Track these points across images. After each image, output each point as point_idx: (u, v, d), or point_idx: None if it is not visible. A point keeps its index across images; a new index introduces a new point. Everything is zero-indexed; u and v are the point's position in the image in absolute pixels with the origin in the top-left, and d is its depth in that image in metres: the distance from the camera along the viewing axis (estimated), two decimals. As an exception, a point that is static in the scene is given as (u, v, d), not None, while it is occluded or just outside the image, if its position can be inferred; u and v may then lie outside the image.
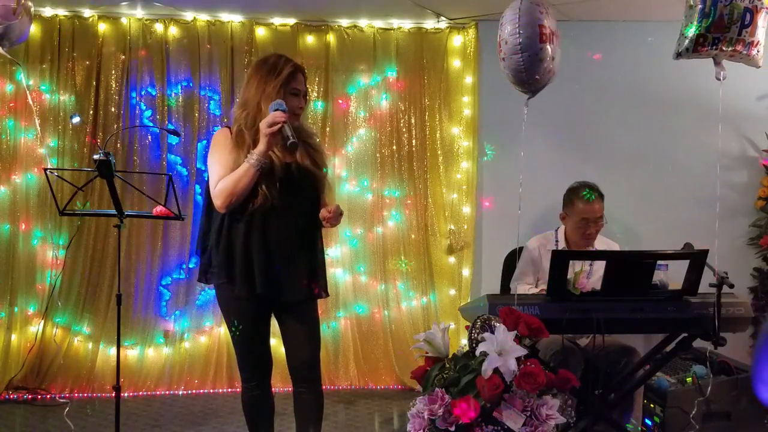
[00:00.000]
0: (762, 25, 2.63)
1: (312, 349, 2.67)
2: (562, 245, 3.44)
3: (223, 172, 2.51)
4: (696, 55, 2.65)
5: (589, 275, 3.31)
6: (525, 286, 3.41)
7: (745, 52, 2.64)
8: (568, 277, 2.76)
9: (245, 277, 2.52)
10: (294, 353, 2.66)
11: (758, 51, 2.69)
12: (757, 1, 2.56)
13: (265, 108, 2.51)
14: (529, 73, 2.64)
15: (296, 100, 2.58)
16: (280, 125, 2.42)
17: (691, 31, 2.60)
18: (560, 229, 3.52)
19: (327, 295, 2.72)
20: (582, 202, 3.35)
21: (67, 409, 3.46)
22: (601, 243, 3.49)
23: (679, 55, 2.70)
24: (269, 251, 2.52)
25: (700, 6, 2.56)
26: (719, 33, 2.56)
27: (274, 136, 2.44)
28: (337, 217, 2.56)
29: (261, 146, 2.46)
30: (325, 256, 2.79)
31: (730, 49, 2.61)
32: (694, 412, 3.10)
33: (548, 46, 2.61)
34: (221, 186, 2.49)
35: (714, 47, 2.59)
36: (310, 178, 2.61)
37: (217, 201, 2.51)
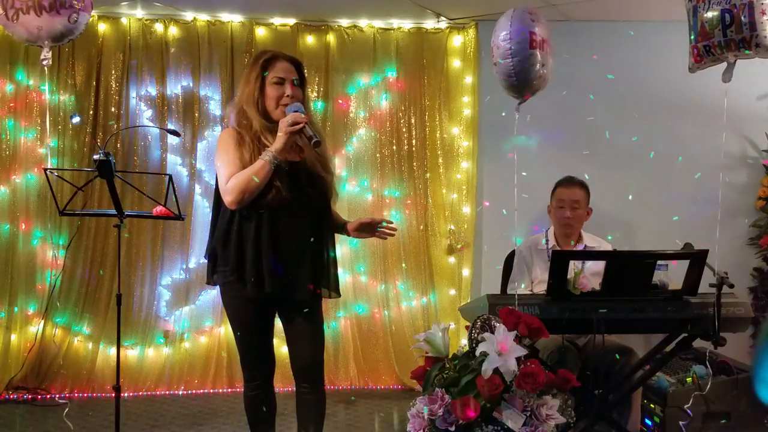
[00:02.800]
0: (748, 20, 2.65)
1: (316, 350, 2.67)
2: (551, 244, 3.46)
3: (234, 169, 2.47)
4: (701, 65, 2.73)
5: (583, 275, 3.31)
6: (520, 291, 3.42)
7: (743, 50, 2.66)
8: (568, 277, 2.76)
9: (255, 276, 2.49)
10: (298, 353, 2.66)
11: (758, 44, 2.70)
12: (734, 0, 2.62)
13: (248, 106, 2.54)
14: (519, 77, 2.74)
15: (279, 88, 2.53)
16: (302, 125, 2.42)
17: (688, 46, 2.71)
18: (550, 229, 3.54)
19: (339, 294, 2.73)
20: (561, 188, 3.48)
21: (67, 409, 3.46)
22: (592, 241, 3.50)
23: (690, 69, 2.79)
24: (278, 250, 2.51)
25: (690, 22, 2.68)
26: (707, 41, 2.64)
27: (293, 135, 2.44)
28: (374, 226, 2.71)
29: (278, 144, 2.44)
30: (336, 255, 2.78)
31: (726, 53, 2.65)
32: (692, 413, 3.10)
33: (538, 53, 2.69)
34: (234, 182, 2.45)
35: (709, 55, 2.67)
36: (318, 179, 2.59)
37: (229, 197, 2.46)
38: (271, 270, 2.49)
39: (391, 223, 2.76)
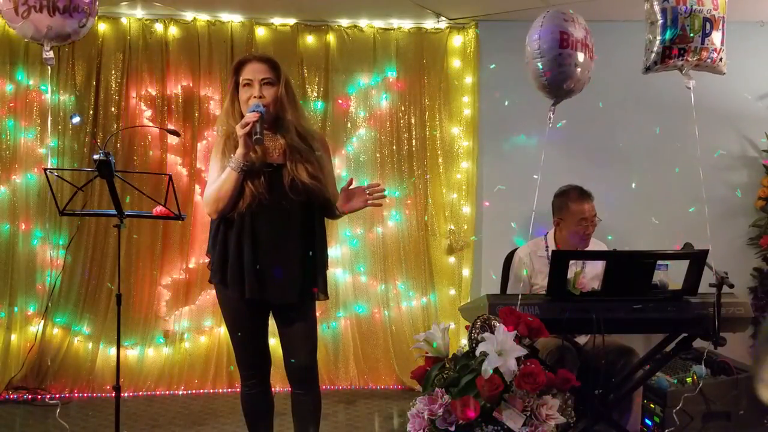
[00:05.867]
0: (720, 33, 2.72)
1: (309, 352, 2.66)
2: (552, 249, 3.45)
3: (212, 180, 2.56)
4: (664, 67, 2.75)
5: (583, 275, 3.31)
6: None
7: (709, 60, 2.72)
8: (569, 277, 2.76)
9: (237, 279, 2.53)
10: (291, 356, 2.65)
11: (721, 58, 2.76)
12: (714, 11, 2.65)
13: (227, 116, 2.59)
14: (549, 78, 2.74)
15: (248, 90, 2.56)
16: (251, 125, 2.43)
17: (657, 45, 2.72)
18: (549, 234, 3.52)
19: (326, 297, 2.70)
20: (578, 203, 3.38)
21: (58, 410, 3.47)
22: (594, 245, 3.49)
23: (647, 69, 2.81)
24: (259, 253, 2.52)
25: (660, 21, 2.68)
26: (684, 44, 2.66)
27: (249, 137, 2.45)
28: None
29: (239, 149, 2.48)
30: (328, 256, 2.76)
31: (695, 58, 2.69)
32: (692, 413, 3.10)
33: (571, 52, 2.69)
34: (206, 193, 2.55)
35: (680, 58, 2.69)
36: (301, 184, 2.55)
37: (206, 209, 2.57)
38: (251, 272, 2.51)
39: (378, 185, 2.71)
